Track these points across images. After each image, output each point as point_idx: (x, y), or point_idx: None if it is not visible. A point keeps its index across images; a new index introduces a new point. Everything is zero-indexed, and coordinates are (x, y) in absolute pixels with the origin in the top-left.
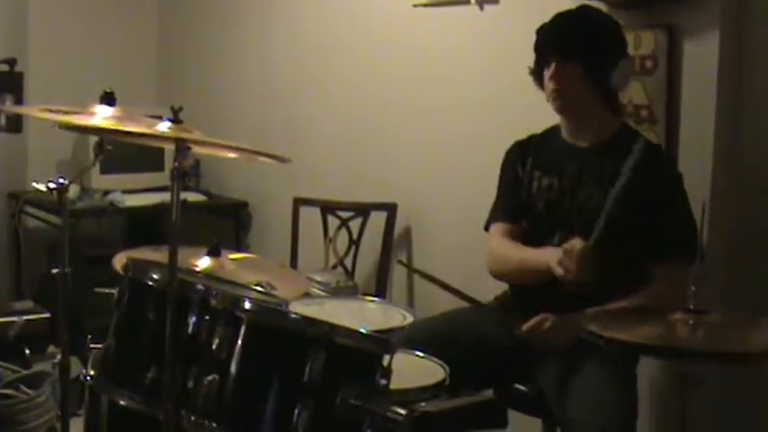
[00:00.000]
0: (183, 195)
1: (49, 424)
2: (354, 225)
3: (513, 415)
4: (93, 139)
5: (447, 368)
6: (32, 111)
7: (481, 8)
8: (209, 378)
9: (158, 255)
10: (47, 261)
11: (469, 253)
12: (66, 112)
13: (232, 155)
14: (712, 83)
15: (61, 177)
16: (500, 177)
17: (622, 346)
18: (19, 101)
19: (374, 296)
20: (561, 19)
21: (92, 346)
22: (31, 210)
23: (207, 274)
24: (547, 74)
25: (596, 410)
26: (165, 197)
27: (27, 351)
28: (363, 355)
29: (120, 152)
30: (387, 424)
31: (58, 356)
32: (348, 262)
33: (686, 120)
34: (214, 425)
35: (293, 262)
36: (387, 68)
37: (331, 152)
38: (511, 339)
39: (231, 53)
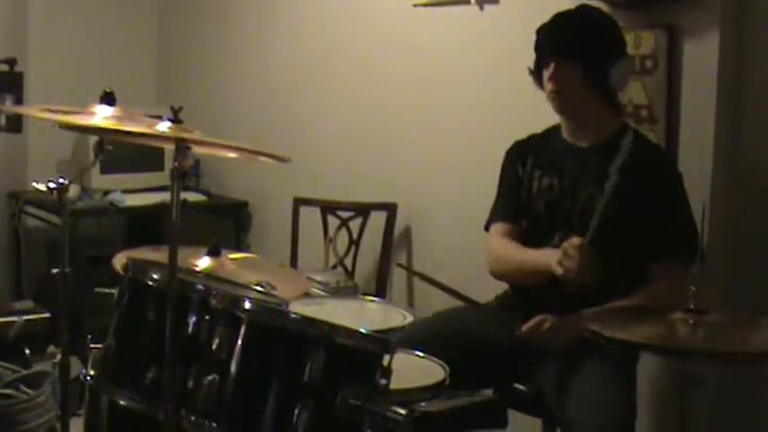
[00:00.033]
0: (183, 195)
1: (49, 424)
2: (354, 225)
3: (513, 415)
4: (93, 138)
5: (447, 368)
6: (32, 111)
7: (481, 8)
8: (209, 378)
9: (158, 255)
10: (47, 261)
11: (469, 253)
12: (66, 112)
13: (232, 155)
14: (712, 83)
15: (61, 177)
16: (500, 177)
17: (623, 345)
18: (19, 101)
19: (374, 296)
20: (560, 19)
21: (92, 346)
22: (31, 210)
23: (207, 274)
24: (546, 74)
25: (595, 410)
26: (165, 197)
27: (27, 351)
28: (363, 355)
29: (120, 152)
30: (387, 424)
31: (58, 356)
32: (348, 262)
33: (686, 120)
34: (214, 425)
35: (293, 262)
36: (387, 68)
37: (331, 152)
38: (511, 339)
39: (231, 53)
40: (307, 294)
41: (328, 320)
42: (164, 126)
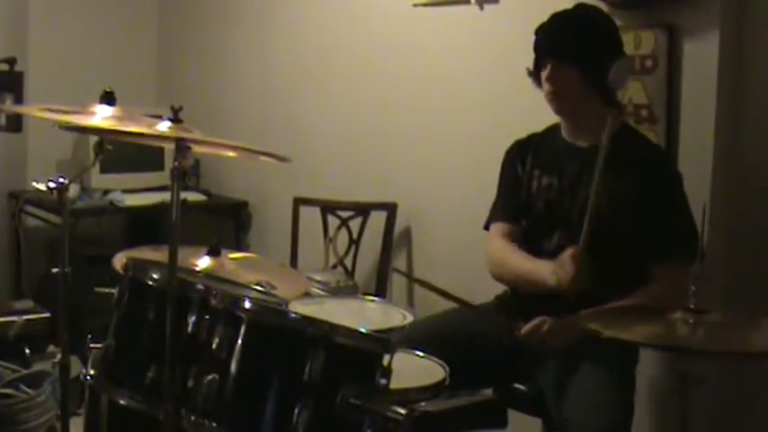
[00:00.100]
0: (183, 195)
1: (48, 423)
2: (354, 225)
3: (512, 415)
4: (93, 138)
5: (447, 368)
6: (32, 110)
7: (481, 8)
8: (209, 377)
9: (158, 254)
10: (47, 261)
11: (469, 253)
12: (66, 112)
13: (232, 154)
14: (712, 83)
15: (61, 177)
16: (500, 176)
17: (623, 344)
18: (19, 100)
19: (374, 296)
20: (556, 19)
21: (92, 345)
22: (31, 209)
23: (207, 274)
24: (544, 75)
25: (591, 411)
26: (164, 197)
27: (27, 350)
28: (363, 355)
29: (120, 152)
30: (387, 423)
31: (58, 356)
32: (348, 262)
33: (686, 120)
34: (214, 424)
35: (293, 261)
36: (387, 68)
37: (331, 152)
38: (510, 339)
39: (231, 53)
40: (307, 294)
41: (328, 320)
42: (164, 126)
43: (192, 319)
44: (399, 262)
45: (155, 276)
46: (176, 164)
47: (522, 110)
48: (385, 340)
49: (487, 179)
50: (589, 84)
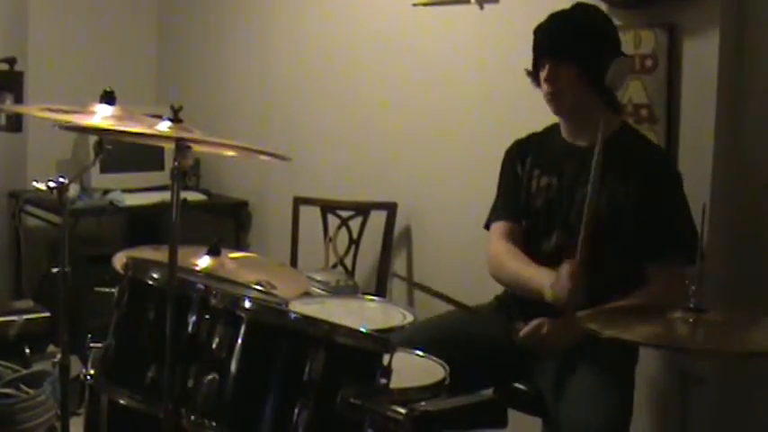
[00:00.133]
0: (183, 194)
1: (49, 423)
2: (354, 224)
3: (513, 415)
4: (93, 138)
5: (447, 367)
6: (32, 110)
7: (481, 7)
8: (209, 377)
9: (158, 254)
10: (47, 260)
11: (469, 252)
12: (66, 112)
13: (232, 153)
14: (712, 83)
15: (61, 177)
16: (500, 176)
17: (623, 344)
18: (19, 100)
19: (374, 295)
20: (554, 19)
21: (92, 345)
22: (31, 209)
23: (207, 274)
24: (542, 76)
25: (589, 411)
26: (164, 196)
27: (27, 350)
28: (363, 355)
29: (120, 151)
30: (387, 423)
31: (58, 356)
32: (348, 261)
33: (686, 119)
34: (214, 424)
35: (293, 261)
36: (387, 68)
37: (331, 152)
38: (510, 339)
39: (231, 53)
40: (307, 294)
41: (328, 320)
42: (163, 125)
43: (192, 318)
44: (399, 261)
45: (155, 276)
46: (176, 163)
47: (522, 110)
48: (385, 340)
49: (487, 179)
50: (588, 84)
